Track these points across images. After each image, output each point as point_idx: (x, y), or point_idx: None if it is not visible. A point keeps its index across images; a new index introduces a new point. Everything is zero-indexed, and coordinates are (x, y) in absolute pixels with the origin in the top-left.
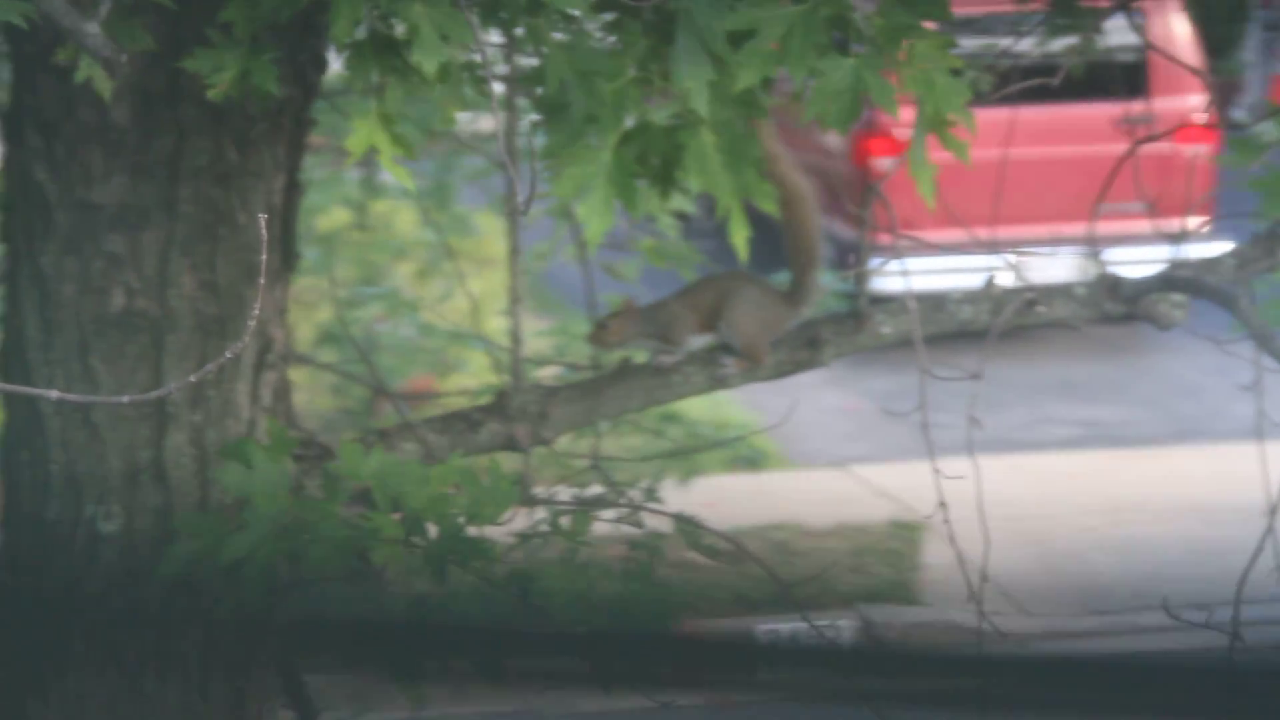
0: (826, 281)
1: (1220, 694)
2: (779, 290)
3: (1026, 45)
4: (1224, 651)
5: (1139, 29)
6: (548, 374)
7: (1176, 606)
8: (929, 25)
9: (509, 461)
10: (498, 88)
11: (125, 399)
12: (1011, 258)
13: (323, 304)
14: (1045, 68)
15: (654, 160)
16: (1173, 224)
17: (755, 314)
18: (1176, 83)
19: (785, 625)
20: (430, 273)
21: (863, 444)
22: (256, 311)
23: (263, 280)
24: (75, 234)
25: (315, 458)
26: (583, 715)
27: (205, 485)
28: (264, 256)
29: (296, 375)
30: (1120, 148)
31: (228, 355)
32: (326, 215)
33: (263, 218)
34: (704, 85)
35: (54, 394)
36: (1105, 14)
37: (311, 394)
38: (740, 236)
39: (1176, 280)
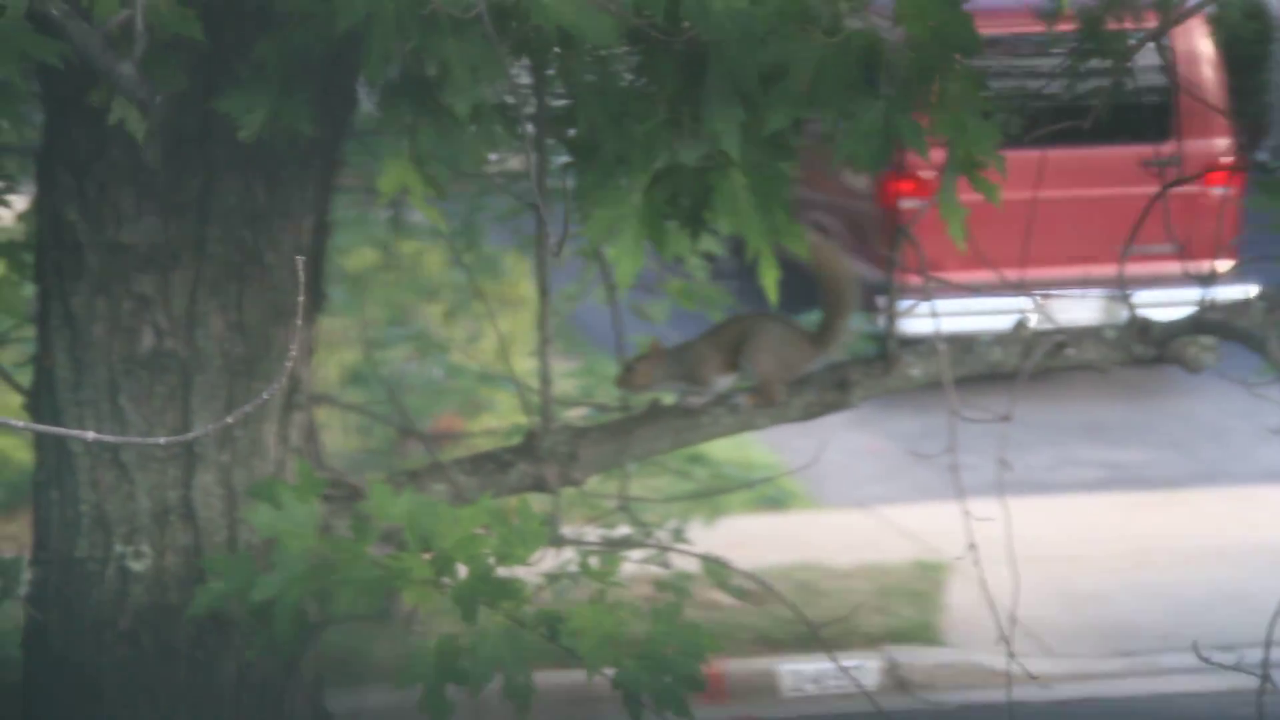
0: (854, 322)
1: None
2: (805, 331)
3: (1055, 87)
4: (1253, 694)
5: (1167, 61)
6: (576, 415)
7: (1205, 649)
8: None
9: (537, 502)
10: (529, 128)
11: (161, 440)
12: (1039, 299)
13: (350, 344)
14: (1074, 109)
15: (684, 201)
16: (1201, 266)
17: (775, 351)
18: (1203, 125)
19: (810, 666)
20: (458, 313)
21: (887, 485)
22: (293, 352)
23: (300, 320)
24: (105, 274)
25: (344, 498)
26: None
27: (233, 525)
28: (300, 298)
29: (323, 415)
30: (1147, 189)
31: (264, 396)
32: (355, 255)
33: (299, 259)
34: (735, 127)
35: (90, 435)
36: (1133, 48)
37: (338, 434)
38: (770, 278)
39: (1206, 323)
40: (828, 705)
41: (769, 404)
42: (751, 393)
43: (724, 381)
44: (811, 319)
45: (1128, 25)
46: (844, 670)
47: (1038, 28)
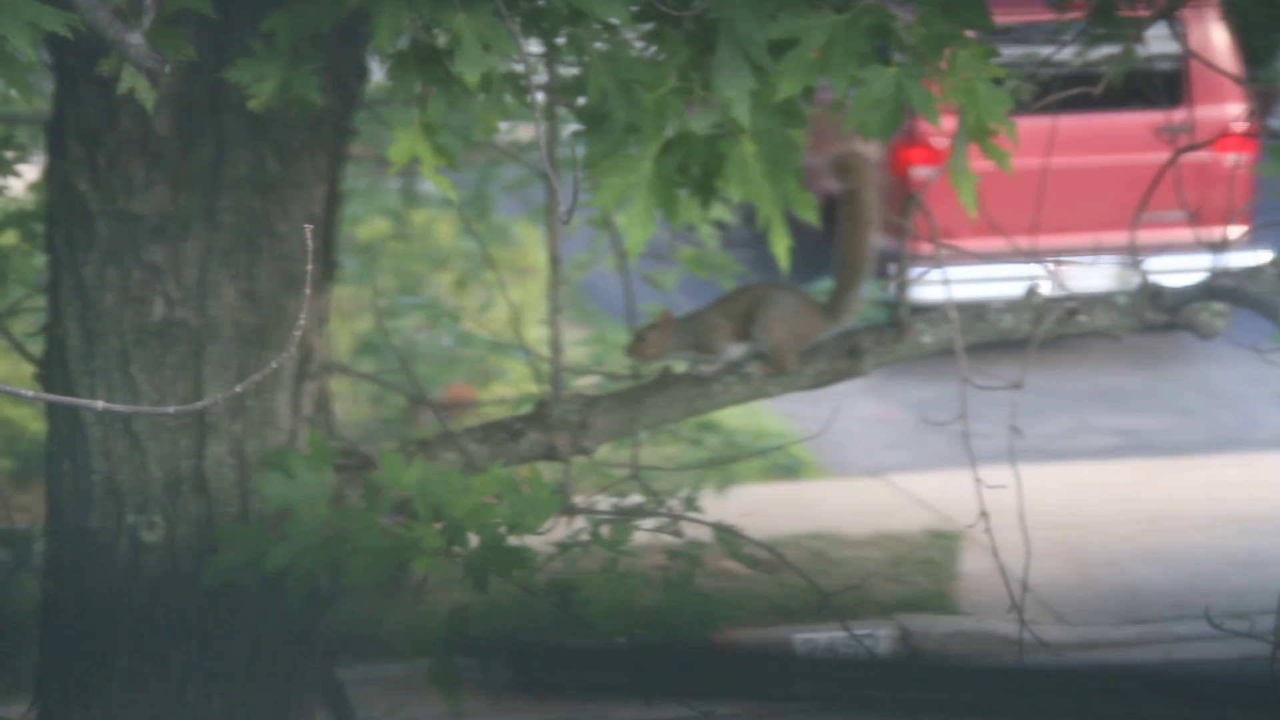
0: (866, 291)
1: (1262, 704)
2: (816, 301)
3: (1067, 54)
4: (1265, 661)
5: (1180, 37)
6: (587, 383)
7: (1217, 616)
8: (970, 34)
9: (548, 471)
10: (539, 97)
11: (171, 410)
12: (1051, 266)
13: (361, 313)
14: (1085, 76)
15: (694, 170)
16: (1213, 232)
17: (786, 320)
18: (1215, 91)
19: (823, 635)
20: (469, 282)
21: (900, 453)
22: (302, 321)
23: (309, 290)
24: (116, 244)
25: (356, 467)
26: None
27: (246, 495)
28: (309, 266)
29: (335, 385)
30: (1159, 156)
31: (273, 366)
32: (366, 225)
33: (309, 228)
34: (745, 95)
35: (100, 404)
36: (1145, 24)
37: (350, 403)
38: (781, 246)
39: (1218, 289)
40: (841, 671)
41: (782, 372)
42: (763, 362)
43: (735, 350)
44: (822, 288)
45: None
46: (857, 639)
47: (1048, 15)
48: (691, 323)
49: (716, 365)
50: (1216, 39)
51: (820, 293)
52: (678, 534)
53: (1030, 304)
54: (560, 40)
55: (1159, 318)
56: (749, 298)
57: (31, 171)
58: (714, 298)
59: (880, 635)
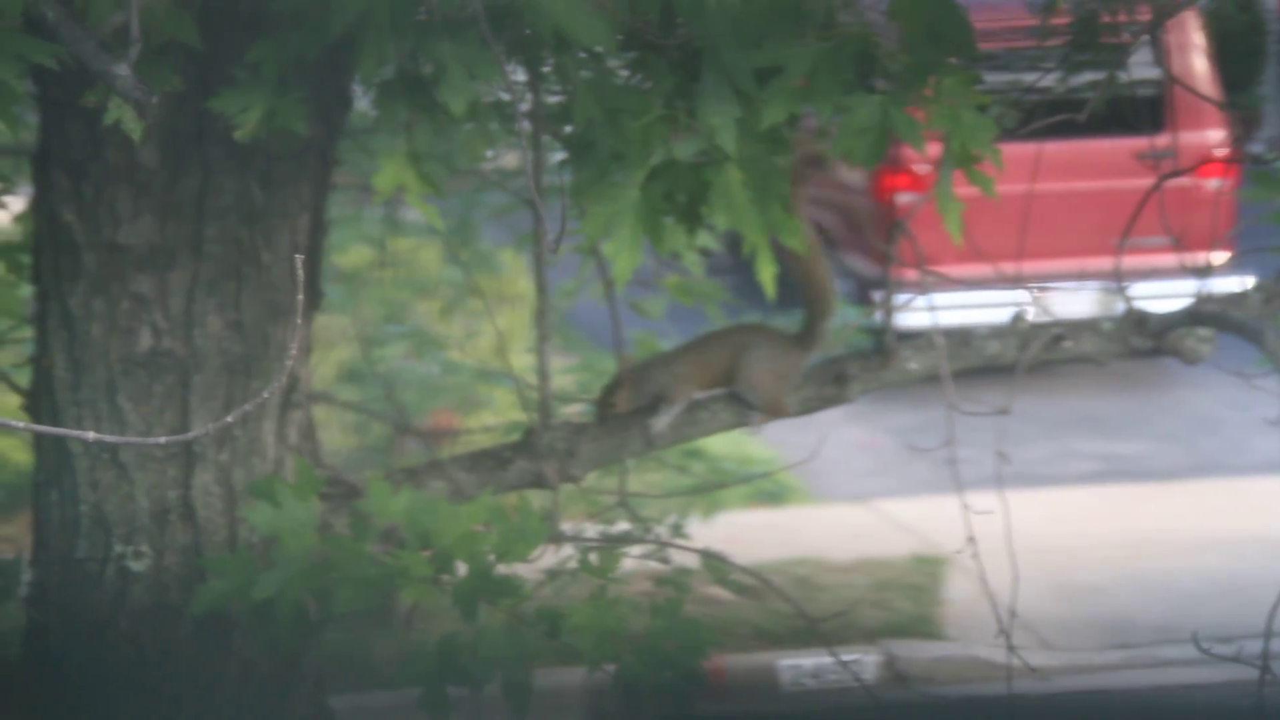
0: (852, 318)
1: None
2: (789, 335)
3: (1050, 80)
4: (1253, 685)
5: (1162, 61)
6: (574, 411)
7: (1203, 640)
8: (953, 61)
9: (536, 499)
10: (525, 125)
11: (160, 440)
12: (1036, 292)
13: (344, 342)
14: (1068, 103)
15: (680, 197)
16: (1197, 258)
17: (770, 369)
18: (1197, 117)
19: (809, 660)
20: (454, 310)
21: (885, 479)
22: (293, 350)
23: (299, 319)
24: (103, 275)
25: (342, 496)
26: None
27: (233, 524)
28: (299, 296)
29: (319, 413)
30: (1142, 182)
31: (264, 395)
32: (349, 253)
33: (299, 258)
34: (731, 122)
35: (90, 435)
36: (1128, 49)
37: (334, 432)
38: (767, 273)
39: (1203, 315)
40: (827, 700)
41: (781, 417)
42: (759, 414)
43: (703, 396)
44: (792, 321)
45: (1121, 19)
46: (843, 664)
47: (1031, 23)
48: (656, 373)
49: (670, 416)
50: (1198, 65)
51: (791, 325)
52: (665, 561)
53: (1016, 330)
54: (545, 68)
55: (1144, 343)
56: (727, 348)
57: (17, 203)
58: (679, 345)
59: (866, 661)
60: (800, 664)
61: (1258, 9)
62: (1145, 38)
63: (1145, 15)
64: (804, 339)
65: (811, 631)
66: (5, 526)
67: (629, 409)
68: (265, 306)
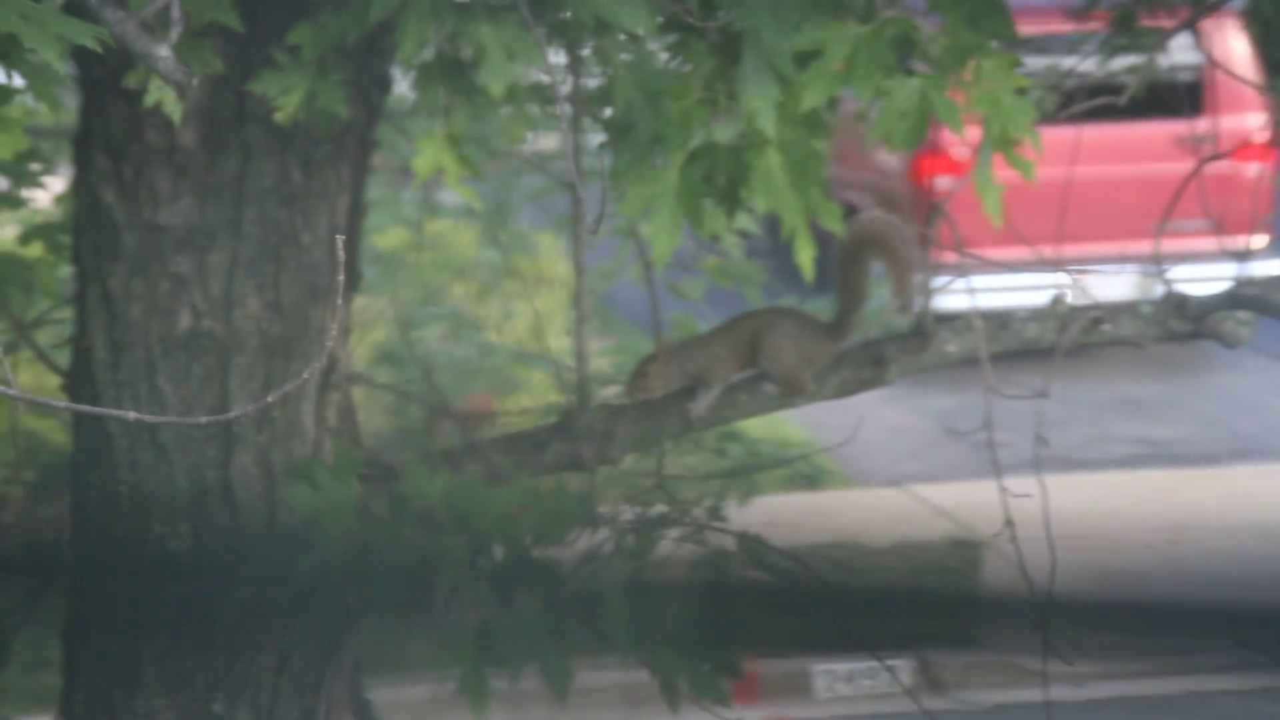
0: (887, 303)
1: None
2: (820, 322)
3: (1090, 65)
4: None
5: (1204, 46)
6: (611, 393)
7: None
8: (993, 44)
9: (573, 481)
10: (565, 108)
11: (201, 420)
12: (1075, 276)
13: (380, 324)
14: (1108, 87)
15: (720, 180)
16: (1236, 242)
17: (793, 346)
18: (1236, 101)
19: (842, 666)
20: (491, 292)
21: (922, 463)
22: (334, 331)
23: (339, 300)
24: (142, 255)
25: (380, 478)
26: None
27: (272, 505)
28: (340, 277)
29: (356, 395)
30: (1180, 166)
31: (303, 376)
32: (385, 235)
33: (339, 239)
34: (770, 106)
35: (131, 415)
36: (1166, 35)
37: (370, 414)
38: (806, 256)
39: (1243, 298)
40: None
41: (799, 393)
42: (777, 384)
43: (737, 379)
44: (825, 307)
45: (1161, 19)
46: (887, 668)
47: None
48: (693, 353)
49: (710, 398)
50: (1237, 49)
51: (823, 313)
52: (702, 544)
53: (1055, 313)
54: (585, 51)
55: (1184, 327)
56: (753, 326)
57: (58, 184)
58: (713, 327)
59: (898, 665)
60: (834, 669)
61: None
62: (1187, 21)
63: (1184, 13)
64: (835, 327)
65: (844, 630)
66: (44, 508)
67: (660, 389)
68: (304, 288)
